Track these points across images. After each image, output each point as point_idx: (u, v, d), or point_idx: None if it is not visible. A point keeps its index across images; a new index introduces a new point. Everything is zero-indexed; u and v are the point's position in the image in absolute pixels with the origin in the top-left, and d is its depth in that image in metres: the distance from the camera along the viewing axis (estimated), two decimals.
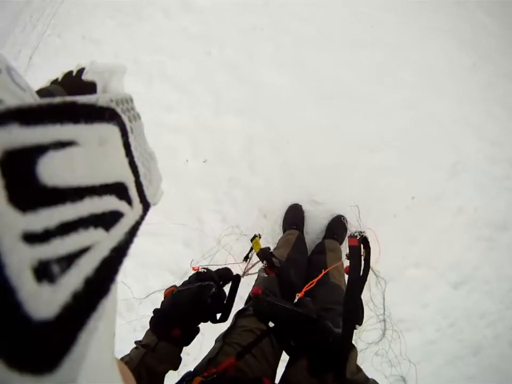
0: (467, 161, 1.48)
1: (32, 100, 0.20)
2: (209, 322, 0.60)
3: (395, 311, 1.15)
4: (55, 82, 0.33)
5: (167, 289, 0.62)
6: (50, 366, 0.11)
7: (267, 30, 1.67)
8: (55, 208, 0.12)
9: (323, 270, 0.73)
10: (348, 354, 0.47)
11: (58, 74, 0.33)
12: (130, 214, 0.18)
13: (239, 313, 0.78)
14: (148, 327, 0.59)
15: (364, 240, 0.52)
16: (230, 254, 0.82)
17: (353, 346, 0.49)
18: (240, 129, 1.58)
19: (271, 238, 1.52)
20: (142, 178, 0.21)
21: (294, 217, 1.46)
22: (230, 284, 0.64)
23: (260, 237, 0.66)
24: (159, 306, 0.60)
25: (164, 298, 0.61)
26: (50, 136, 0.12)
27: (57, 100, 0.13)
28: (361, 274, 0.49)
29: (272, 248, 0.65)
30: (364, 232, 0.52)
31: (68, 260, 0.12)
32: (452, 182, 1.47)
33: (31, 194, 0.11)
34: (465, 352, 1.46)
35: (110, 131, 0.18)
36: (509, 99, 1.52)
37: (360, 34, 1.61)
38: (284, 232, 1.46)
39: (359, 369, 0.48)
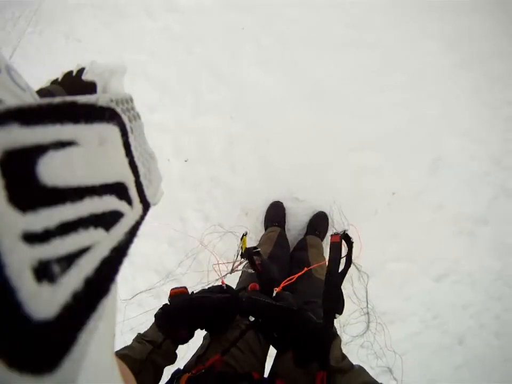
0: (448, 158, 1.49)
1: (32, 99, 0.20)
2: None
3: (378, 304, 1.16)
4: (55, 82, 0.33)
5: (174, 288, 0.62)
6: (51, 366, 0.11)
7: (251, 29, 1.66)
8: (55, 208, 0.12)
9: (305, 267, 0.74)
10: (330, 343, 0.47)
11: (58, 74, 0.33)
12: (130, 214, 0.18)
13: None
14: (139, 327, 0.59)
15: (346, 237, 0.53)
16: (212, 254, 0.83)
17: (336, 334, 0.50)
18: (221, 128, 1.58)
19: (253, 236, 1.52)
20: (142, 178, 0.21)
21: (275, 215, 1.47)
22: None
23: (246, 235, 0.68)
24: (158, 304, 0.61)
25: (171, 297, 0.61)
26: (50, 136, 0.12)
27: (57, 99, 0.13)
28: (342, 268, 0.51)
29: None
30: (346, 230, 0.54)
31: (68, 260, 0.12)
32: (433, 178, 1.48)
33: (31, 194, 0.11)
34: (450, 343, 1.47)
35: (110, 131, 0.18)
36: (492, 98, 1.52)
37: (349, 36, 1.60)
38: (265, 230, 1.46)
39: (343, 357, 0.49)
